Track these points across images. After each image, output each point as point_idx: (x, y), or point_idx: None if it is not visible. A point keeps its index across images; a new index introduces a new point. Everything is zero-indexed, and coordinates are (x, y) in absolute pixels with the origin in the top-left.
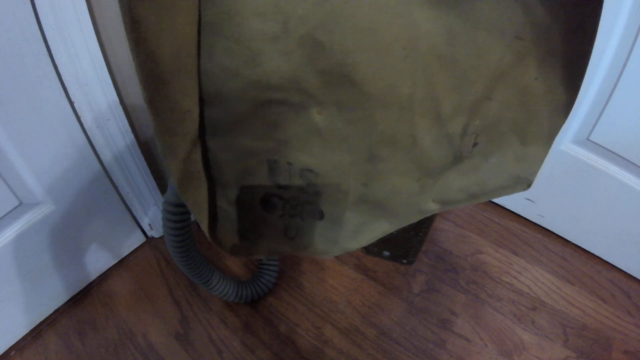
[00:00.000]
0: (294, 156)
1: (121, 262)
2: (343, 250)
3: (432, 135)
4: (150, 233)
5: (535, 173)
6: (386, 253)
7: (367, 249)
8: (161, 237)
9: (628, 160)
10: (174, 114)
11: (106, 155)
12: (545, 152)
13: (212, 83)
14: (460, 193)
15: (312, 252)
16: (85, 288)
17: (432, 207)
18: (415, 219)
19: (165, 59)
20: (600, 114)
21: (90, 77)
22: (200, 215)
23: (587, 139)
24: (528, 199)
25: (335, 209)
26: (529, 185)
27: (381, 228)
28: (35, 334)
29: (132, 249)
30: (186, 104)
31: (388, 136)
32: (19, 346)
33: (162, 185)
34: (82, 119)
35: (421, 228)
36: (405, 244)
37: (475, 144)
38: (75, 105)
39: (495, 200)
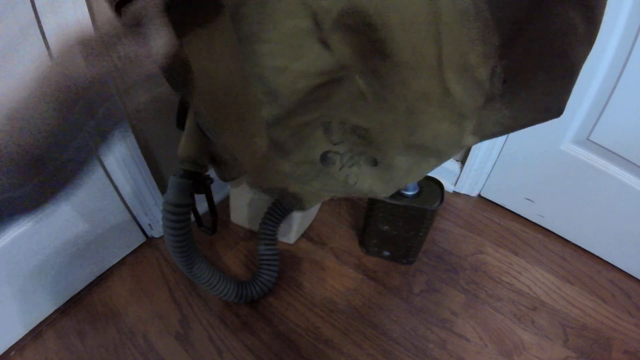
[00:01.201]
0: (345, 117)
1: (121, 262)
2: (397, 186)
3: (461, 84)
4: (150, 233)
5: (565, 102)
6: (386, 253)
7: (367, 249)
8: (161, 237)
9: (628, 160)
10: (244, 123)
11: (106, 156)
12: (572, 83)
13: (264, 84)
14: (496, 126)
15: (372, 193)
16: (85, 288)
17: (472, 141)
18: (458, 152)
19: (220, 81)
20: (600, 114)
21: None
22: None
23: (587, 139)
24: (528, 199)
25: (387, 156)
26: (559, 113)
27: (429, 164)
28: (35, 334)
29: (132, 249)
30: (253, 107)
31: (421, 94)
32: (19, 346)
33: (162, 185)
34: None
35: (421, 228)
36: (405, 244)
37: (504, 82)
38: None
39: (495, 200)
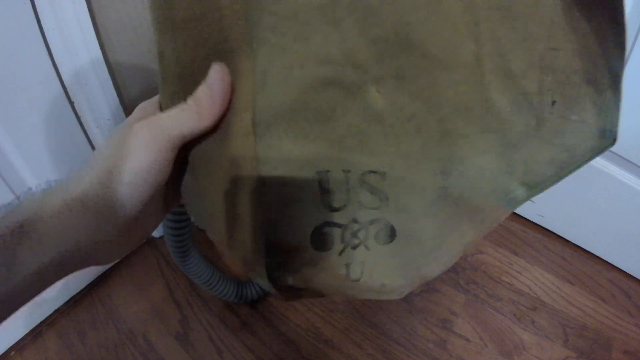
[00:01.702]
0: (351, 159)
1: (121, 262)
2: (421, 279)
3: (507, 96)
4: None
5: (617, 124)
6: None
7: None
8: (161, 237)
9: (628, 160)
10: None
11: None
12: (620, 96)
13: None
14: (549, 166)
15: (382, 294)
16: (85, 288)
17: (520, 194)
18: (502, 217)
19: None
20: None
21: (90, 77)
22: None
23: None
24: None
25: (410, 217)
26: (614, 140)
27: (465, 237)
28: (35, 334)
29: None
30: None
31: (459, 104)
32: (19, 346)
33: None
34: (82, 119)
35: None
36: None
37: (553, 102)
38: (75, 105)
39: None
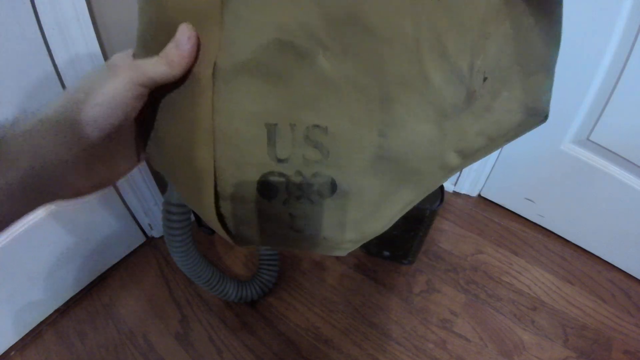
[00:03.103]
0: (298, 115)
1: (121, 262)
2: (362, 236)
3: (441, 72)
4: (150, 233)
5: (547, 102)
6: (386, 253)
7: (368, 249)
8: (161, 237)
9: (628, 160)
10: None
11: None
12: (551, 80)
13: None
14: (479, 137)
15: (325, 247)
16: (85, 288)
17: (454, 161)
18: (438, 181)
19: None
20: (600, 114)
21: None
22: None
23: (587, 139)
24: (528, 199)
25: (350, 173)
26: (545, 117)
27: (404, 197)
28: (35, 334)
29: (132, 249)
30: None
31: (399, 76)
32: (19, 346)
33: (162, 185)
34: None
35: (421, 228)
36: (405, 244)
37: (485, 79)
38: None
39: (495, 200)
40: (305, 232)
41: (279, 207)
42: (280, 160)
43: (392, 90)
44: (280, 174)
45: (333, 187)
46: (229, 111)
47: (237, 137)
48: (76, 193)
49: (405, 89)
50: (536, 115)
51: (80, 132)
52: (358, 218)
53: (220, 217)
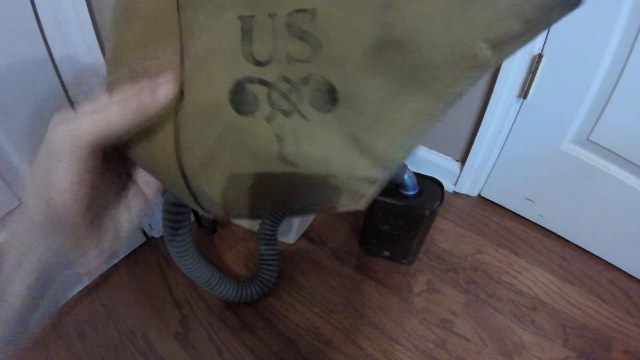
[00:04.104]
0: (277, 2)
1: (121, 262)
2: (375, 160)
3: None
4: (150, 233)
5: None
6: (386, 253)
7: (367, 249)
8: (161, 237)
9: (628, 160)
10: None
11: None
12: None
13: None
14: (511, 18)
15: (333, 190)
16: (85, 288)
17: (482, 51)
18: (459, 80)
19: None
20: (600, 114)
21: (90, 77)
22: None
23: (587, 139)
24: (528, 199)
25: (350, 71)
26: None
27: (415, 103)
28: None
29: (132, 249)
30: None
31: None
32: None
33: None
34: None
35: (421, 228)
36: (405, 244)
37: None
38: (75, 105)
39: (495, 200)
40: (303, 164)
41: (261, 126)
42: (259, 63)
43: None
44: (261, 81)
45: (331, 93)
46: (192, 3)
47: (204, 36)
48: (100, 264)
49: None
50: None
51: (62, 222)
52: (364, 134)
53: (179, 159)
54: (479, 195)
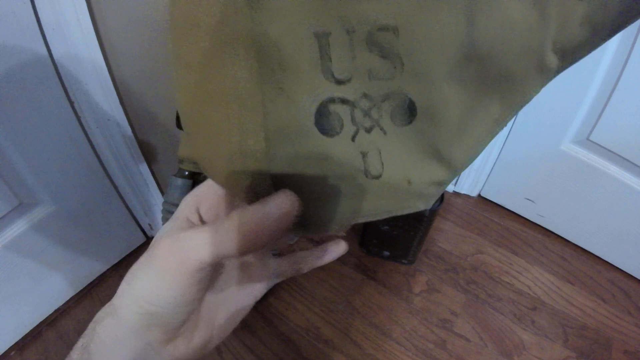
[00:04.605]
0: (355, 14)
1: (121, 262)
2: (450, 170)
3: None
4: (150, 233)
5: None
6: (386, 253)
7: (367, 249)
8: None
9: (628, 160)
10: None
11: (106, 155)
12: None
13: None
14: (583, 27)
15: (410, 196)
16: (85, 288)
17: (552, 61)
18: (531, 90)
19: None
20: (600, 114)
21: (90, 77)
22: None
23: (587, 139)
24: (528, 199)
25: (432, 85)
26: None
27: (490, 112)
28: (35, 334)
29: (132, 249)
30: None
31: None
32: (19, 346)
33: (162, 185)
34: (82, 119)
35: (421, 228)
36: (405, 244)
37: None
38: (75, 105)
39: (495, 200)
40: (385, 175)
41: (347, 146)
42: (339, 82)
43: None
44: (343, 100)
45: (411, 109)
46: (266, 17)
47: (279, 54)
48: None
49: None
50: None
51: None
52: (443, 144)
53: (260, 181)
54: (479, 195)
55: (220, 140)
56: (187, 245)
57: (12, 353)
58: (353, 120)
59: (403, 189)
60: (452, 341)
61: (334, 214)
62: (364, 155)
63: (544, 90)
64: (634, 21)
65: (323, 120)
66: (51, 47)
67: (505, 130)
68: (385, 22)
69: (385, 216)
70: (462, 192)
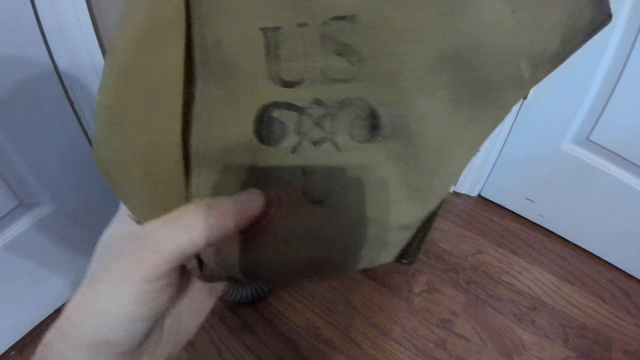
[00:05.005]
0: (307, 5)
1: None
2: (424, 207)
3: None
4: None
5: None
6: None
7: None
8: None
9: (628, 160)
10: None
11: None
12: None
13: None
14: (554, 36)
15: (364, 241)
16: None
17: (525, 73)
18: (509, 101)
19: None
20: (600, 114)
21: (90, 77)
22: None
23: (587, 139)
24: (528, 199)
25: (399, 91)
26: (610, 16)
27: (468, 131)
28: (35, 334)
29: None
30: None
31: None
32: (19, 346)
33: None
34: (82, 119)
35: (421, 228)
36: (405, 244)
37: None
38: (75, 105)
39: (495, 200)
40: (328, 202)
41: (287, 160)
42: (287, 84)
43: None
44: (289, 105)
45: (373, 121)
46: (212, 13)
47: (220, 50)
48: None
49: None
50: (603, 10)
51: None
52: (416, 172)
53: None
54: (479, 195)
55: (138, 132)
56: (166, 235)
57: (12, 353)
58: (298, 129)
59: (354, 229)
60: (452, 341)
61: (270, 242)
62: (304, 172)
63: (544, 90)
64: (599, 30)
65: (262, 128)
66: (51, 48)
67: (506, 130)
68: (340, 10)
69: (335, 273)
70: (462, 192)
